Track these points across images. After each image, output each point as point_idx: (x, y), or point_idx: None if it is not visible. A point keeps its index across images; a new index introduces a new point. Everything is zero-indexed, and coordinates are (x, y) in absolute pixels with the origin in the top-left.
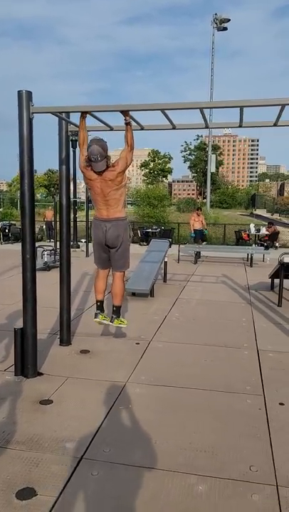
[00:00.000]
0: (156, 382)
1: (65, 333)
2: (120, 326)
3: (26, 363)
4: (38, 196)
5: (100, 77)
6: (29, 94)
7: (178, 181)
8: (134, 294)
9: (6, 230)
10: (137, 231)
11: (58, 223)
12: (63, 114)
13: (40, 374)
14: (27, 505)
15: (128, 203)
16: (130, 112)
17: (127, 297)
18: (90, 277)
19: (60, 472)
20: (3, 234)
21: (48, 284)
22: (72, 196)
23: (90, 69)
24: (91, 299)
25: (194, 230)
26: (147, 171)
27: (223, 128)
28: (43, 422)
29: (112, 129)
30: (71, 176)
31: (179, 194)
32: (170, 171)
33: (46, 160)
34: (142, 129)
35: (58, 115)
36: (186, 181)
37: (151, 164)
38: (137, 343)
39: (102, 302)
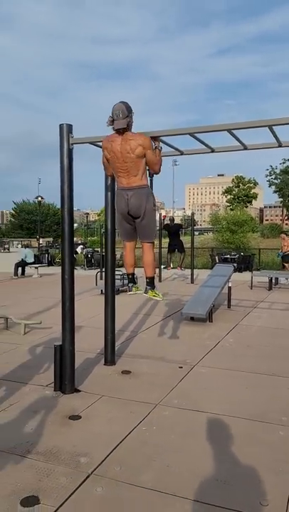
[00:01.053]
0: (187, 406)
1: (109, 353)
2: (154, 298)
3: (64, 379)
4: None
5: (190, 108)
6: (69, 126)
7: (270, 207)
8: (192, 319)
9: (89, 256)
10: (215, 257)
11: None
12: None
13: (78, 391)
14: None
15: (208, 230)
16: (197, 134)
17: (184, 321)
18: (154, 303)
19: (67, 485)
20: (86, 260)
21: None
22: None
23: (180, 101)
24: (148, 321)
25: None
26: (231, 197)
27: None
28: (66, 436)
29: (182, 153)
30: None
31: (271, 219)
32: (255, 197)
33: None
34: (213, 151)
35: (96, 144)
36: (279, 206)
37: (236, 190)
38: (180, 367)
39: (132, 275)
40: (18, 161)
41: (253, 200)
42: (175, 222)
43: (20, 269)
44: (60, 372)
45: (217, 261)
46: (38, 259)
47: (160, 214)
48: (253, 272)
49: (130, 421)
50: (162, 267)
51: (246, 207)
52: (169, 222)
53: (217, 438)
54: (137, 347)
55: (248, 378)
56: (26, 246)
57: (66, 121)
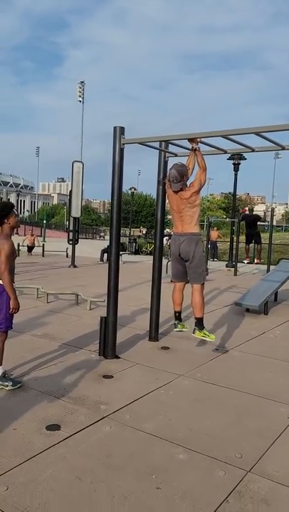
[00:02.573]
0: (208, 380)
1: (153, 330)
2: (204, 338)
3: (107, 346)
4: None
5: None
6: (122, 129)
7: None
8: (247, 310)
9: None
10: None
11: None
12: (162, 143)
13: (118, 357)
14: (50, 434)
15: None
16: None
17: (239, 311)
18: (217, 293)
19: (85, 421)
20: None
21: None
22: None
23: None
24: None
25: None
26: None
27: None
28: (96, 389)
29: (253, 150)
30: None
31: None
32: None
33: (221, 182)
34: (253, 150)
35: (145, 144)
36: None
37: None
38: (216, 349)
39: (179, 313)
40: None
41: None
42: (254, 212)
43: (106, 255)
44: (104, 339)
45: None
46: (122, 247)
47: (240, 209)
48: None
49: (152, 385)
50: (241, 263)
51: None
52: (247, 212)
53: (221, 406)
54: None
55: (275, 364)
56: None
57: (170, 114)
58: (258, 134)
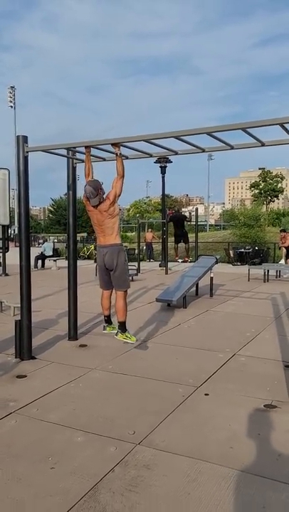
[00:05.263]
0: (117, 370)
1: (72, 330)
2: (126, 341)
3: (22, 348)
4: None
5: (234, 101)
6: (24, 137)
7: None
8: (169, 305)
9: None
10: (229, 251)
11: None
12: (69, 150)
13: (34, 358)
14: None
15: (224, 226)
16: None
17: (161, 307)
18: (144, 292)
19: None
20: None
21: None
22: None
23: (223, 94)
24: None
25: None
26: (257, 191)
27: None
28: (7, 388)
29: (104, 160)
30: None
31: None
32: (282, 191)
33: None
34: (232, 148)
35: (48, 152)
36: None
37: (262, 185)
38: (131, 343)
39: (108, 317)
40: (58, 158)
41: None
42: (181, 213)
43: (40, 261)
44: (20, 342)
45: (232, 255)
46: (56, 253)
47: (167, 210)
48: (250, 265)
49: (64, 380)
50: (175, 260)
51: (272, 201)
52: (174, 213)
53: (124, 392)
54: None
55: (182, 352)
56: (45, 240)
57: (104, 118)
58: (177, 137)
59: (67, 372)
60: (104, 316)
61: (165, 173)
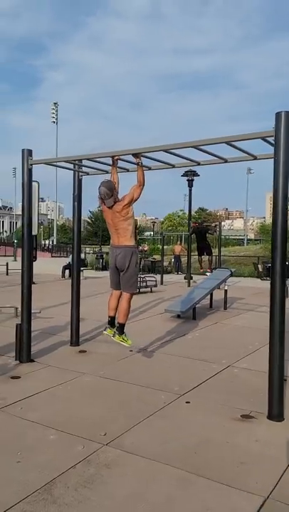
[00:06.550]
0: (108, 376)
1: (74, 336)
2: (122, 343)
3: (22, 351)
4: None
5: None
6: (29, 151)
7: None
8: (179, 316)
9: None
10: (258, 265)
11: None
12: (76, 163)
13: (32, 361)
14: None
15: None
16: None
17: (170, 317)
18: (155, 301)
19: None
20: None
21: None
22: None
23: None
24: (136, 317)
25: None
26: None
27: None
28: (1, 387)
29: (106, 172)
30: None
31: None
32: None
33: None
34: (255, 158)
35: (52, 164)
36: None
37: None
38: (131, 350)
39: (112, 318)
40: (95, 171)
41: None
42: (205, 226)
43: (67, 271)
44: (20, 345)
45: (260, 269)
46: (84, 263)
47: (190, 223)
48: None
49: (55, 382)
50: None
51: None
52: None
53: (109, 396)
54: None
55: (176, 360)
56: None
57: (146, 131)
58: (196, 147)
59: (60, 375)
60: (109, 317)
61: (192, 186)
